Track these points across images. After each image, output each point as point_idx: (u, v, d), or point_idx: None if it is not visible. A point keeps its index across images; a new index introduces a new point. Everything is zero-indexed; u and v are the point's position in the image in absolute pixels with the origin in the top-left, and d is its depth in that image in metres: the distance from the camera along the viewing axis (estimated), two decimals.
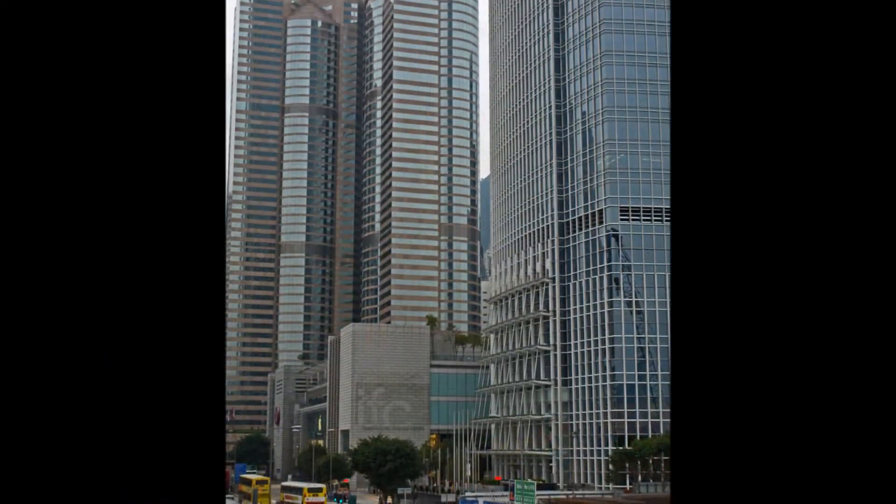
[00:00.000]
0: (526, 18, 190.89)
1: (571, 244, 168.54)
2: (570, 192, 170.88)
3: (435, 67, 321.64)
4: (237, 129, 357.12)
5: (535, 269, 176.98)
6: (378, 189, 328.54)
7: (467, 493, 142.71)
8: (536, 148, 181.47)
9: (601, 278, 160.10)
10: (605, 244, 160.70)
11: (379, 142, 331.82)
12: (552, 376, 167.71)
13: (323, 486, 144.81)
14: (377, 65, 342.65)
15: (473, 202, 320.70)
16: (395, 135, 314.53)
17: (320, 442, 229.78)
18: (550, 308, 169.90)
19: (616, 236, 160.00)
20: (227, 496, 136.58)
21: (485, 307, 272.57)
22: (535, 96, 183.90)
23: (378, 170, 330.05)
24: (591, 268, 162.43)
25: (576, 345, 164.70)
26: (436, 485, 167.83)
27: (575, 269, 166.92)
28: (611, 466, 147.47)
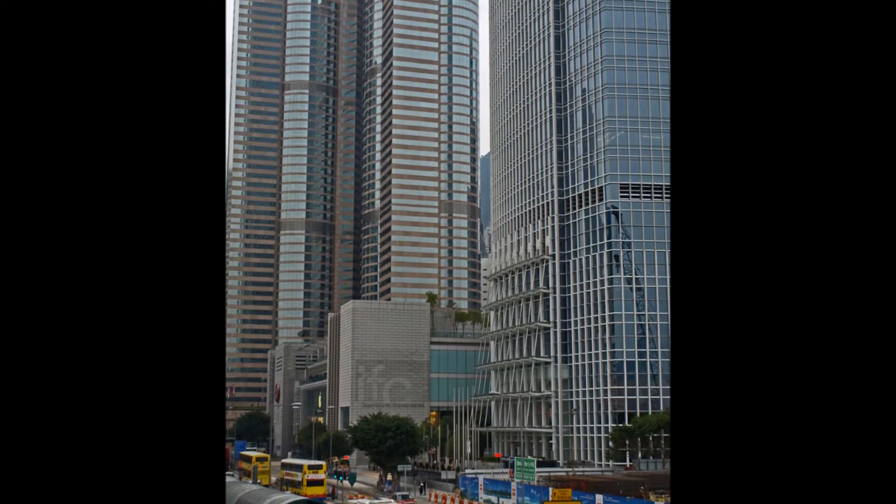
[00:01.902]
0: None
1: (571, 221, 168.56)
2: (570, 170, 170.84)
3: (435, 44, 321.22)
4: (237, 106, 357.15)
5: (535, 246, 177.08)
6: (378, 166, 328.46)
7: (467, 470, 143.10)
8: (536, 125, 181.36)
9: (601, 255, 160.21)
10: (605, 221, 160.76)
11: (379, 119, 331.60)
12: (552, 353, 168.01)
13: (323, 463, 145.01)
14: (377, 41, 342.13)
15: (473, 179, 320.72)
16: (395, 112, 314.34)
17: (320, 419, 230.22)
18: (550, 285, 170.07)
19: (616, 213, 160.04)
20: (226, 473, 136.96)
21: (485, 284, 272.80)
22: (535, 73, 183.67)
23: (378, 147, 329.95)
24: (591, 245, 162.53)
25: (576, 322, 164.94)
26: (436, 462, 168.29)
27: (575, 247, 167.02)
28: (611, 443, 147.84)
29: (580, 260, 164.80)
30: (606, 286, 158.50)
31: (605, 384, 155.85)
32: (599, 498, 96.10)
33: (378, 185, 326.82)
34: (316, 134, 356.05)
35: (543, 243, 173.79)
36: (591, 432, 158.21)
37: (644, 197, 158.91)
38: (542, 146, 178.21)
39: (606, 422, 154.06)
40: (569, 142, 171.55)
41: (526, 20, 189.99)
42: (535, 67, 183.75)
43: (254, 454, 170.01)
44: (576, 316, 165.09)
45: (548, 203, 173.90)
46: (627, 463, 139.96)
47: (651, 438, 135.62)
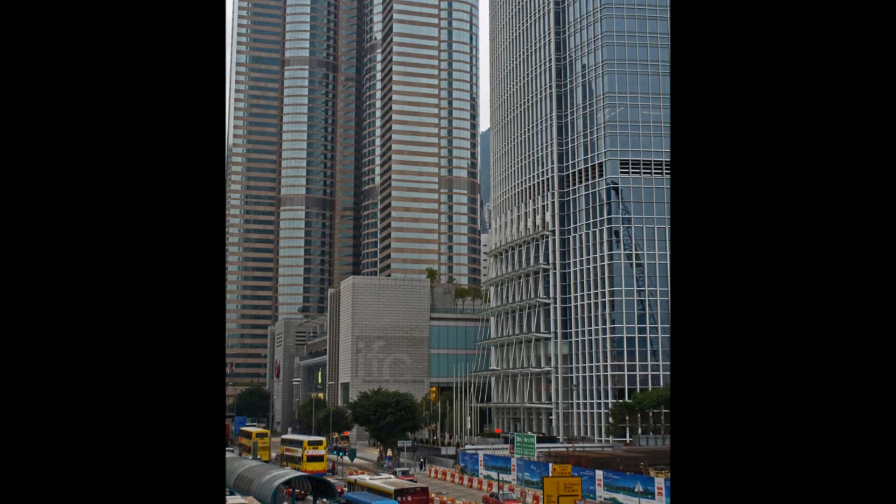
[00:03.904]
0: None
1: (571, 197, 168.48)
2: (570, 145, 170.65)
3: (435, 20, 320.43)
4: (237, 82, 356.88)
5: (535, 222, 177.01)
6: (378, 142, 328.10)
7: (467, 446, 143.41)
8: (536, 101, 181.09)
9: (601, 231, 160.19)
10: (604, 197, 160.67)
11: (379, 95, 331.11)
12: (552, 329, 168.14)
13: (323, 438, 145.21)
14: (377, 17, 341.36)
15: (473, 155, 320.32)
16: (395, 88, 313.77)
17: (320, 395, 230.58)
18: (550, 261, 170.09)
19: (616, 189, 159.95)
20: (226, 449, 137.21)
21: (485, 260, 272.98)
22: (536, 49, 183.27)
23: (378, 123, 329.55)
24: (591, 220, 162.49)
25: (576, 297, 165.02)
26: (436, 437, 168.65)
27: (575, 222, 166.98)
28: (611, 419, 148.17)
29: (580, 235, 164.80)
30: (606, 262, 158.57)
31: (605, 360, 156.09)
32: (599, 473, 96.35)
33: (378, 160, 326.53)
34: (316, 110, 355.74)
35: (543, 219, 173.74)
36: (591, 408, 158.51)
37: (644, 172, 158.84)
38: (542, 122, 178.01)
39: (606, 397, 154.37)
40: (569, 117, 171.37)
41: None
42: (536, 43, 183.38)
43: (254, 430, 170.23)
44: (576, 291, 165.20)
45: (548, 179, 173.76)
46: (627, 439, 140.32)
47: (651, 414, 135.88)
